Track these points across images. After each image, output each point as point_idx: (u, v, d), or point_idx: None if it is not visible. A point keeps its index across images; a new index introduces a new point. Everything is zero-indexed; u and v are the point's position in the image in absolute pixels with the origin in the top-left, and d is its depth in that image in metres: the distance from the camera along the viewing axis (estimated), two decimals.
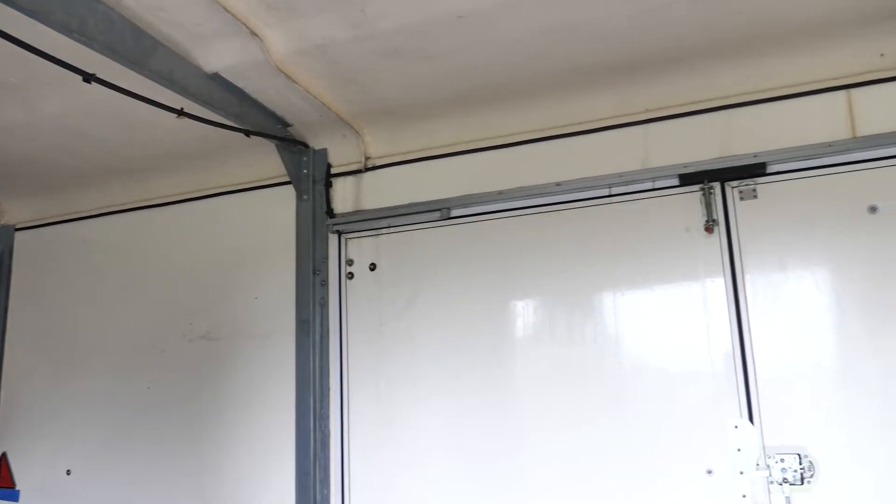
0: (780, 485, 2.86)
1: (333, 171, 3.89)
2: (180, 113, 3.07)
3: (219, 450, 3.87)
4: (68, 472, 4.23)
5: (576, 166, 3.38)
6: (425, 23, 2.77)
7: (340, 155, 3.87)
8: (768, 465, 2.89)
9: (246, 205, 4.09)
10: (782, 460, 2.87)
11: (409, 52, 2.99)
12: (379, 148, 3.84)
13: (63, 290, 4.53)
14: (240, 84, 3.13)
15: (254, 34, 2.78)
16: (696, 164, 3.17)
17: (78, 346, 4.39)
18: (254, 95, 3.26)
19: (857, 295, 2.89)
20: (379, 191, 3.79)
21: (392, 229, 3.71)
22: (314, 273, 3.76)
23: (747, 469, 2.91)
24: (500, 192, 3.48)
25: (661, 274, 3.17)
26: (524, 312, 3.39)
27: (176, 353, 4.09)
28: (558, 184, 3.38)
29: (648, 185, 3.26)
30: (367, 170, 3.84)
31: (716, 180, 3.14)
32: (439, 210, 3.58)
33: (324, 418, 3.64)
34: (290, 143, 3.77)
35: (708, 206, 3.12)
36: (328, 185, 3.87)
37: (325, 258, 3.79)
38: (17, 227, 4.79)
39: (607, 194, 3.33)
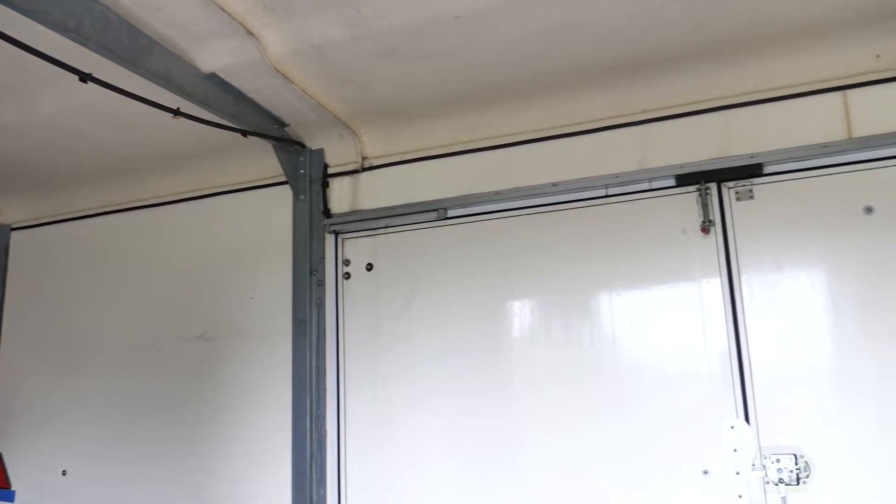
0: (776, 485, 2.87)
1: (330, 171, 3.89)
2: (177, 113, 3.07)
3: (215, 450, 3.87)
4: (64, 473, 4.22)
5: (573, 167, 3.39)
6: (422, 23, 2.77)
7: (337, 155, 3.87)
8: (764, 466, 2.89)
9: (242, 205, 4.09)
10: (778, 461, 2.88)
11: (405, 52, 2.99)
12: (376, 148, 3.84)
13: (59, 290, 4.53)
14: (236, 84, 3.13)
15: (250, 34, 2.78)
16: (692, 164, 3.18)
17: (74, 346, 4.38)
18: (250, 95, 3.26)
19: (853, 295, 2.90)
20: (376, 191, 3.79)
21: (389, 229, 3.71)
22: (311, 273, 3.76)
23: (743, 469, 2.92)
24: (496, 193, 3.49)
25: (658, 274, 3.18)
26: (521, 313, 3.39)
27: (172, 353, 4.09)
28: (555, 184, 3.38)
29: (645, 186, 3.26)
30: (364, 170, 3.84)
31: (712, 181, 3.15)
32: (436, 210, 3.58)
33: (320, 418, 3.64)
34: (286, 143, 3.76)
35: (704, 206, 3.13)
36: (325, 185, 3.87)
37: (322, 258, 3.79)
38: (13, 226, 4.79)
39: (604, 195, 3.33)
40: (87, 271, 4.46)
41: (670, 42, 2.98)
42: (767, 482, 2.88)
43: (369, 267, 3.72)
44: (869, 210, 2.93)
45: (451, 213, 3.58)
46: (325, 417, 3.64)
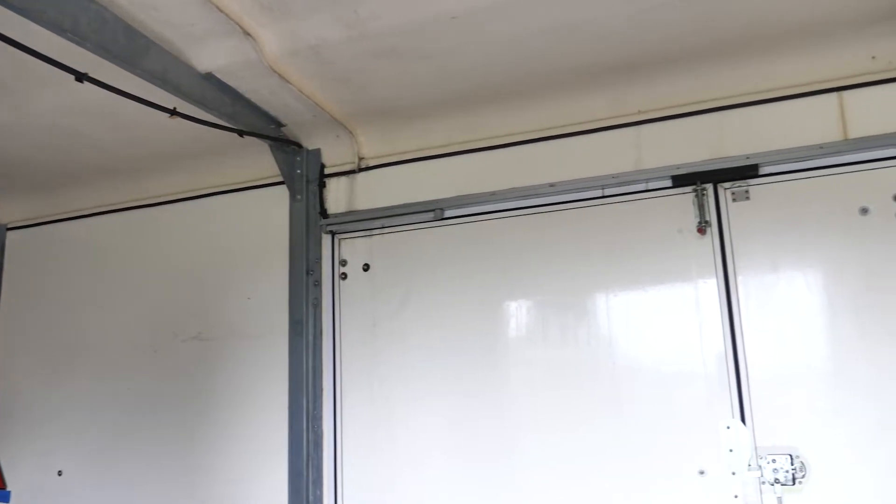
0: (772, 485, 2.87)
1: (327, 171, 3.89)
2: (173, 113, 3.06)
3: (211, 450, 3.86)
4: (60, 473, 4.21)
5: (570, 167, 3.39)
6: (419, 23, 2.78)
7: (334, 155, 3.86)
8: (760, 466, 2.90)
9: (239, 205, 4.08)
10: (774, 461, 2.88)
11: (402, 52, 2.99)
12: (372, 148, 3.84)
13: (55, 290, 4.51)
14: (233, 84, 3.13)
15: (247, 34, 2.78)
16: (688, 165, 3.19)
17: (70, 346, 4.37)
18: (247, 95, 3.26)
19: (849, 296, 2.90)
20: (372, 191, 3.79)
21: (386, 230, 3.71)
22: (307, 273, 3.76)
23: (739, 469, 2.92)
24: (493, 193, 3.49)
25: (654, 275, 3.18)
26: (518, 313, 3.39)
27: (169, 353, 4.08)
28: (552, 185, 3.39)
29: (642, 187, 3.27)
30: (361, 170, 3.84)
31: (708, 182, 3.16)
32: (433, 211, 3.58)
33: (317, 419, 3.64)
34: (283, 144, 3.76)
35: (700, 207, 3.13)
36: (322, 185, 3.86)
37: (319, 258, 3.79)
38: (9, 226, 4.77)
39: (600, 195, 3.33)
40: (84, 271, 4.45)
41: (667, 43, 2.98)
42: (763, 482, 2.89)
43: (366, 267, 3.72)
44: (864, 211, 2.94)
45: (447, 213, 3.58)
46: (321, 418, 3.64)
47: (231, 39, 2.80)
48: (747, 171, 3.10)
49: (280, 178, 3.90)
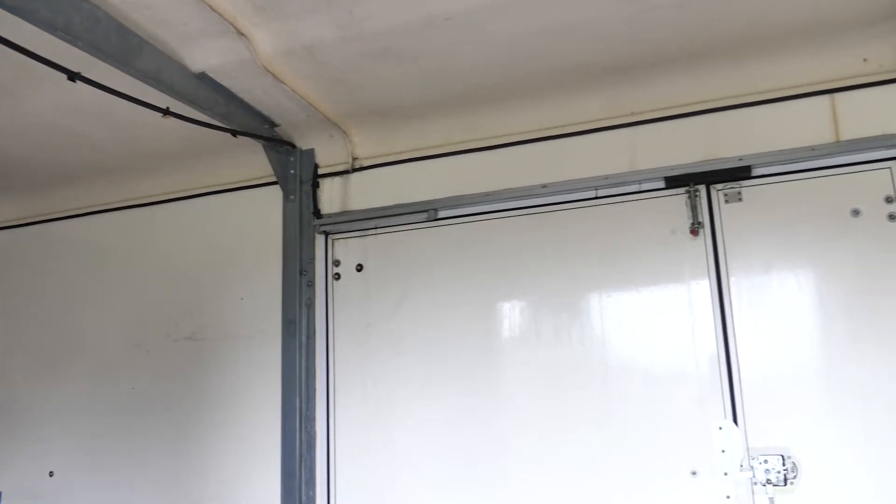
0: (764, 486, 2.88)
1: (321, 171, 3.89)
2: (166, 112, 3.05)
3: (204, 451, 3.85)
4: (51, 474, 4.19)
5: (563, 168, 3.40)
6: (413, 24, 2.77)
7: (328, 155, 3.86)
8: (752, 467, 2.91)
9: (232, 205, 4.07)
10: (766, 461, 2.89)
11: (396, 53, 2.99)
12: (366, 148, 3.83)
13: (46, 290, 4.49)
14: (226, 84, 3.12)
15: (241, 34, 2.77)
16: (681, 166, 3.20)
17: (62, 346, 4.35)
18: (241, 95, 3.25)
19: (841, 297, 2.92)
20: (366, 191, 3.78)
21: (379, 230, 3.71)
22: (301, 274, 3.75)
23: (731, 470, 2.93)
24: (487, 194, 3.49)
25: (647, 276, 3.19)
26: (512, 314, 3.39)
27: (161, 353, 4.07)
28: (545, 186, 3.39)
29: (635, 188, 3.28)
30: (355, 170, 3.84)
31: (701, 183, 3.17)
32: (427, 211, 3.58)
33: (310, 419, 3.63)
34: (277, 144, 3.76)
35: (693, 208, 3.14)
36: (315, 185, 3.86)
37: (312, 259, 3.78)
38: (1, 226, 4.75)
39: (594, 196, 3.34)
40: (76, 271, 4.44)
41: (661, 45, 2.99)
42: (755, 483, 2.90)
43: (359, 268, 3.72)
44: (856, 213, 2.95)
45: (441, 213, 3.58)
46: (314, 418, 3.63)
47: (224, 39, 2.79)
48: (740, 173, 3.12)
49: (273, 178, 3.89)
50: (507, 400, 3.32)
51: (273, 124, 3.63)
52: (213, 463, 3.82)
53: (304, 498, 3.55)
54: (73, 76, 2.60)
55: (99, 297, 4.32)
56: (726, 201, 3.14)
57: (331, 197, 3.85)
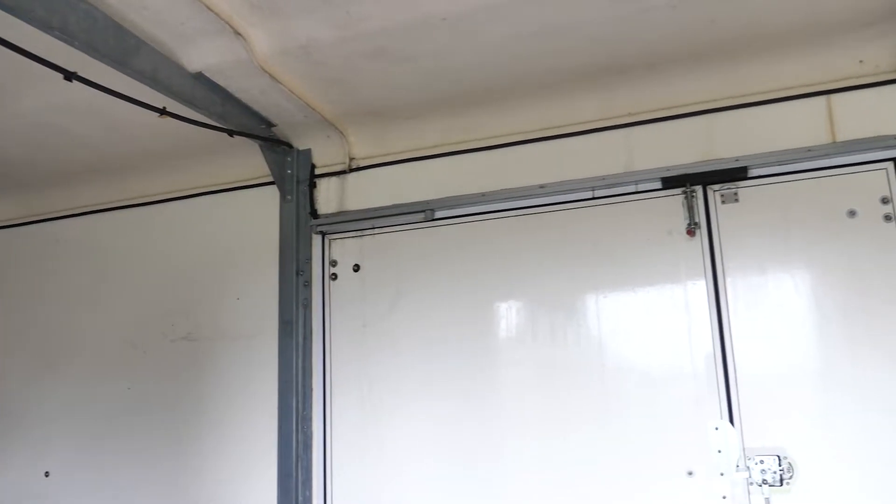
0: (760, 486, 2.89)
1: (317, 171, 3.88)
2: (163, 112, 3.05)
3: (200, 451, 3.85)
4: (47, 474, 4.18)
5: (560, 169, 3.40)
6: (409, 24, 2.77)
7: (325, 155, 3.86)
8: (748, 467, 2.92)
9: (229, 205, 4.07)
10: (762, 462, 2.90)
11: (393, 53, 2.99)
12: (363, 149, 3.83)
13: (42, 289, 4.48)
14: (223, 83, 3.11)
15: (238, 34, 2.77)
16: (678, 167, 3.20)
17: (58, 346, 4.35)
18: (237, 95, 3.25)
19: (836, 298, 2.92)
20: (363, 192, 3.78)
21: (376, 230, 3.71)
22: (297, 274, 3.75)
23: (727, 470, 2.94)
24: (484, 194, 3.49)
25: (644, 276, 3.19)
26: (508, 314, 3.39)
27: (157, 353, 4.06)
28: (542, 186, 3.39)
29: (631, 188, 3.28)
30: (352, 170, 3.84)
31: (698, 184, 3.17)
32: (423, 211, 3.58)
33: (306, 420, 3.63)
34: (273, 144, 3.75)
35: (690, 209, 3.15)
36: (312, 185, 3.86)
37: (309, 259, 3.78)
38: None
39: (591, 197, 3.34)
40: (72, 271, 4.43)
41: (656, 45, 2.99)
42: (751, 483, 2.91)
43: (356, 268, 3.72)
44: (852, 214, 2.96)
45: (438, 214, 3.58)
46: (311, 419, 3.63)
47: (221, 39, 2.79)
48: (736, 174, 3.12)
49: (270, 178, 3.89)
50: (503, 400, 3.32)
51: (270, 124, 3.63)
52: (210, 463, 3.81)
53: (300, 498, 3.54)
54: (69, 76, 2.60)
55: (94, 296, 4.31)
56: (723, 202, 3.14)
57: (328, 197, 3.85)
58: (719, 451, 2.95)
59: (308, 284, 3.75)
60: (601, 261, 3.27)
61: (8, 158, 4.01)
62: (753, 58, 3.09)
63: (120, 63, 2.66)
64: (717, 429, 2.97)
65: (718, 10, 2.76)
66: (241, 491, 3.72)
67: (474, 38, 2.90)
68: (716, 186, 3.16)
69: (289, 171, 3.85)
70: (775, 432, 2.91)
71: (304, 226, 3.80)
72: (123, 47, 2.66)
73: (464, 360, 3.41)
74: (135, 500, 3.94)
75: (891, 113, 2.98)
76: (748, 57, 3.09)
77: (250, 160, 3.88)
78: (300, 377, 3.65)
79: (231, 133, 3.39)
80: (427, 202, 3.58)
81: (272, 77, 3.07)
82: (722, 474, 2.94)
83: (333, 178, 3.86)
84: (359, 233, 3.74)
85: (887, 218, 2.91)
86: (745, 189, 3.12)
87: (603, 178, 3.30)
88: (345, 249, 3.76)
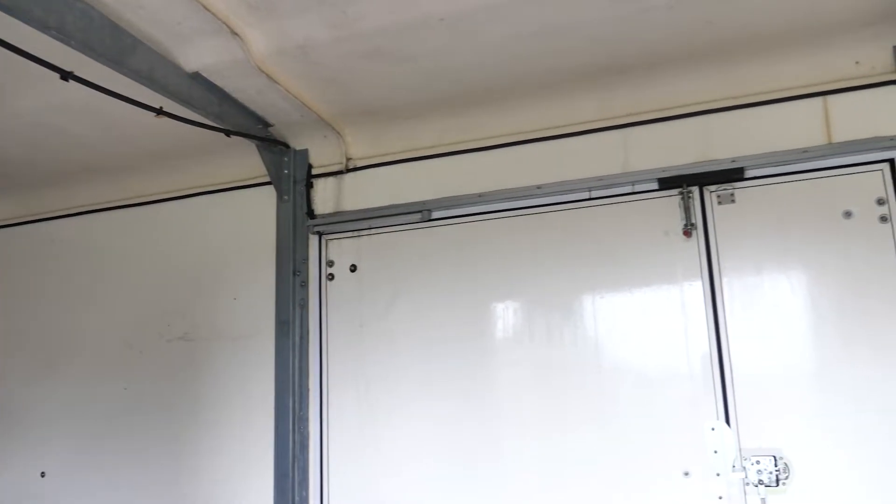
0: (756, 486, 2.89)
1: (314, 171, 3.88)
2: (160, 112, 3.05)
3: (197, 451, 3.84)
4: (42, 475, 4.17)
5: (557, 169, 3.40)
6: (406, 24, 2.77)
7: (321, 156, 3.86)
8: (744, 467, 2.92)
9: (226, 205, 4.06)
10: (758, 462, 2.90)
11: (390, 53, 2.99)
12: (360, 149, 3.83)
13: (39, 289, 4.47)
14: (220, 83, 3.11)
15: (234, 33, 2.77)
16: (675, 168, 3.20)
17: (54, 347, 4.34)
18: (234, 95, 3.24)
19: (832, 298, 2.93)
20: (360, 192, 3.78)
21: (373, 231, 3.71)
22: (294, 274, 3.75)
23: (724, 471, 2.94)
24: (480, 195, 3.49)
25: (640, 277, 3.20)
26: (505, 314, 3.40)
27: (154, 353, 4.05)
28: (539, 186, 3.39)
29: (628, 189, 3.28)
30: (349, 171, 3.83)
31: (694, 184, 3.18)
32: (420, 212, 3.58)
33: (303, 420, 3.63)
34: (270, 144, 3.75)
35: (686, 210, 3.15)
36: (309, 185, 3.85)
37: (306, 259, 3.78)
38: None
39: (587, 197, 3.34)
40: (68, 271, 4.42)
41: (653, 46, 3.00)
42: (747, 483, 2.91)
43: (353, 268, 3.71)
44: (848, 214, 2.96)
45: (435, 214, 3.58)
46: (307, 419, 3.63)
47: (218, 38, 2.79)
48: (733, 175, 3.13)
49: (267, 179, 3.89)
50: (500, 400, 3.32)
51: (267, 124, 3.62)
52: (207, 463, 3.81)
53: (297, 498, 3.54)
54: (66, 76, 2.59)
55: (90, 296, 4.31)
56: (719, 203, 3.14)
57: (324, 197, 3.85)
58: (715, 452, 2.96)
59: (305, 285, 3.75)
60: (598, 261, 3.27)
61: (5, 158, 4.00)
62: (750, 59, 3.09)
63: (116, 63, 2.66)
64: (713, 429, 2.98)
65: (715, 11, 2.76)
66: (237, 491, 3.71)
67: (472, 38, 2.90)
68: (712, 187, 3.16)
69: (286, 171, 3.85)
70: (771, 433, 2.92)
71: (300, 226, 3.80)
72: (120, 47, 2.66)
73: (461, 361, 3.41)
74: (131, 500, 3.93)
75: (887, 114, 2.98)
76: (745, 58, 3.09)
77: (247, 160, 3.88)
78: (297, 377, 3.64)
79: (228, 133, 3.39)
80: (424, 202, 3.58)
81: (269, 77, 3.07)
82: (718, 475, 2.94)
83: (330, 179, 3.86)
84: (356, 233, 3.74)
85: (883, 219, 2.92)
86: (741, 190, 3.12)
87: (600, 178, 3.30)
88: (342, 250, 3.76)
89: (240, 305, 3.90)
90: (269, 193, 3.90)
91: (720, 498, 2.93)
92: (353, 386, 3.59)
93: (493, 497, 3.26)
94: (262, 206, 3.91)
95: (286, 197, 3.82)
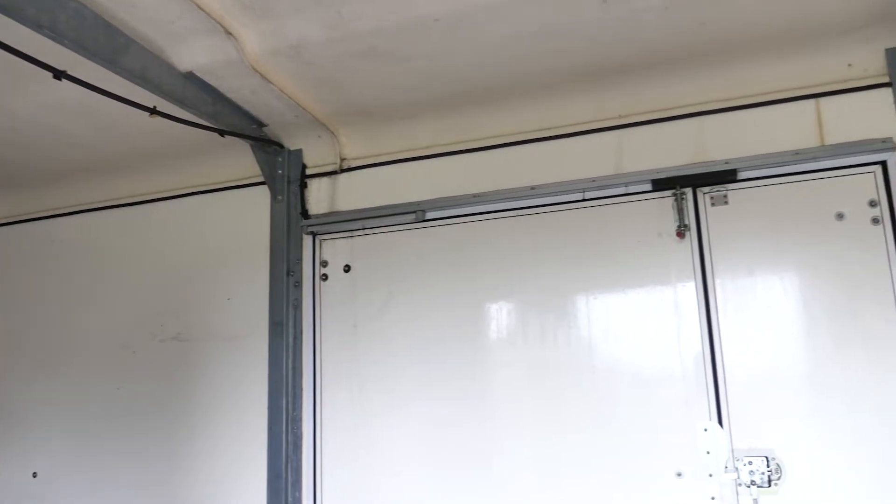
0: (749, 487, 2.90)
1: (308, 171, 3.88)
2: (153, 112, 3.04)
3: (190, 452, 3.83)
4: (34, 475, 4.15)
5: (550, 170, 3.40)
6: (401, 25, 2.77)
7: (316, 156, 3.85)
8: (737, 468, 2.93)
9: (219, 205, 4.05)
10: (750, 463, 2.91)
11: (385, 53, 2.99)
12: (354, 149, 3.83)
13: (31, 289, 4.45)
14: (214, 83, 3.10)
15: (228, 33, 2.76)
16: (668, 169, 3.21)
17: (46, 346, 4.32)
18: (228, 95, 3.24)
19: (825, 300, 2.94)
20: (354, 192, 3.78)
21: (367, 231, 3.71)
22: (288, 274, 3.74)
23: (716, 471, 2.95)
24: (475, 196, 3.49)
25: (634, 278, 3.20)
26: (499, 315, 3.40)
27: (147, 354, 4.04)
28: (533, 188, 3.40)
29: (622, 190, 3.29)
30: (343, 171, 3.83)
31: (688, 186, 3.18)
32: (414, 212, 3.58)
33: (296, 421, 3.62)
34: (264, 144, 3.74)
35: (680, 211, 3.16)
36: (303, 185, 3.85)
37: (300, 259, 3.77)
38: None
39: (581, 198, 3.35)
40: (61, 270, 4.40)
41: (647, 48, 3.01)
42: (740, 484, 2.92)
43: (347, 268, 3.71)
44: (840, 216, 2.98)
45: (429, 215, 3.58)
46: (301, 419, 3.62)
47: (212, 38, 2.78)
48: (726, 176, 3.13)
49: (261, 179, 3.88)
50: (494, 401, 3.32)
51: (261, 124, 3.62)
52: (200, 463, 3.80)
53: (290, 499, 3.54)
54: (58, 75, 2.59)
55: (84, 296, 4.29)
56: (712, 204, 3.15)
57: (318, 197, 3.84)
58: (708, 453, 2.96)
59: (298, 285, 3.74)
60: (591, 262, 3.27)
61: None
62: (743, 61, 3.11)
63: (109, 62, 2.65)
64: (705, 430, 2.98)
65: (709, 13, 2.77)
66: (230, 491, 3.70)
67: (467, 39, 2.90)
68: (705, 189, 3.17)
69: (280, 172, 3.84)
70: (764, 433, 2.92)
71: (294, 226, 3.80)
72: (113, 46, 2.65)
73: (455, 361, 3.41)
74: (124, 499, 3.91)
75: (879, 116, 2.99)
76: (738, 60, 3.10)
77: (241, 160, 3.88)
78: (290, 378, 3.64)
79: (222, 133, 3.38)
80: (418, 203, 3.58)
81: (263, 77, 3.06)
82: (710, 475, 2.95)
83: (324, 179, 3.86)
84: (350, 233, 3.74)
85: (875, 221, 2.93)
86: (734, 191, 3.13)
87: (593, 179, 3.31)
88: (336, 250, 3.76)
89: (233, 305, 3.89)
90: (263, 193, 3.89)
91: (713, 498, 2.94)
92: (347, 386, 3.59)
93: (488, 497, 3.26)
94: (256, 207, 3.90)
95: (280, 197, 3.82)
